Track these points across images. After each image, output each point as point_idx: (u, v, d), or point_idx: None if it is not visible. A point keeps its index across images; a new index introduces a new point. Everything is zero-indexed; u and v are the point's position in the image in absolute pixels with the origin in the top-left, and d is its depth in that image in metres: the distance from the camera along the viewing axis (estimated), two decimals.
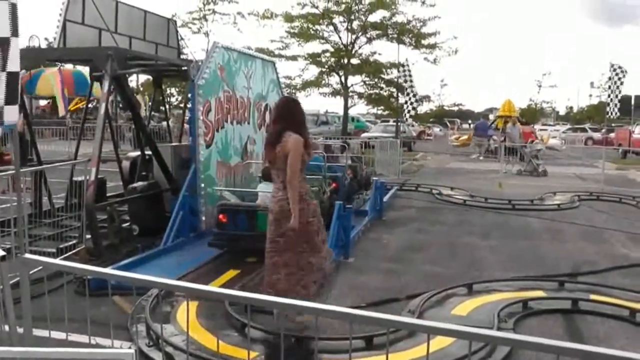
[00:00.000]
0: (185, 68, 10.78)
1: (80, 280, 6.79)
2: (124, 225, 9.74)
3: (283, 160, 5.69)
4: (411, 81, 24.94)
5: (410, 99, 24.27)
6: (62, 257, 8.18)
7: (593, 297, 7.25)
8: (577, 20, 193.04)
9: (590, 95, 79.74)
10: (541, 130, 46.01)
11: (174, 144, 12.61)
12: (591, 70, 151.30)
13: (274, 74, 13.05)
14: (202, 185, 9.74)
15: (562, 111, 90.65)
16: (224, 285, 7.00)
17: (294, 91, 27.71)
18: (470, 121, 39.42)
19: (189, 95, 10.35)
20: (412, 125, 41.08)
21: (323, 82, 27.96)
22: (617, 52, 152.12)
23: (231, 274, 7.55)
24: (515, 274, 8.26)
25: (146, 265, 7.86)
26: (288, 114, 5.91)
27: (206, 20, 34.26)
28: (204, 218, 9.73)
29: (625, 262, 9.33)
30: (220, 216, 8.43)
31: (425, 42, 27.35)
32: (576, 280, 8.23)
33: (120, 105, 25.71)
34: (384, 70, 27.86)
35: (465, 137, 38.38)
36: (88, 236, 8.56)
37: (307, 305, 3.07)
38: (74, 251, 8.47)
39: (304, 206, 5.79)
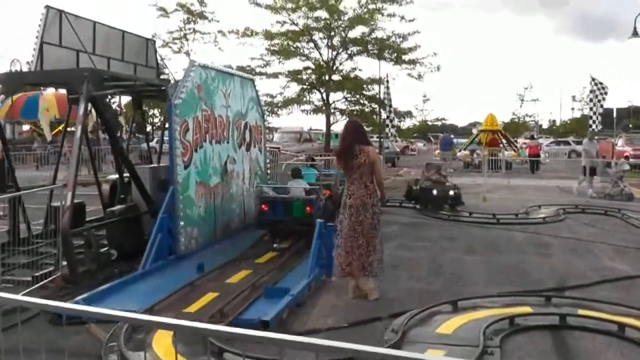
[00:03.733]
0: (164, 88, 10.67)
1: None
2: (103, 250, 9.52)
3: (368, 166, 7.58)
4: (389, 97, 24.92)
5: (389, 114, 24.23)
6: (38, 285, 7.98)
7: (581, 312, 7.11)
8: (558, 35, 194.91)
9: (573, 109, 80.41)
10: (524, 143, 46.20)
11: (152, 165, 12.42)
12: (573, 83, 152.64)
13: (253, 91, 12.92)
14: (181, 206, 9.54)
15: (545, 124, 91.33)
16: (202, 309, 6.80)
17: (275, 109, 27.59)
18: (452, 135, 39.46)
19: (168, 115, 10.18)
20: (396, 141, 41.07)
21: (304, 99, 27.82)
22: (599, 66, 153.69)
23: (210, 296, 7.35)
24: (501, 290, 8.10)
25: (124, 291, 7.65)
26: (359, 132, 7.94)
27: (187, 39, 34.24)
28: (182, 239, 9.52)
29: (612, 275, 9.23)
30: (262, 206, 10.78)
31: (405, 57, 27.34)
32: (563, 295, 8.09)
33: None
34: (365, 86, 27.80)
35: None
36: (65, 263, 8.33)
37: (272, 337, 2.87)
38: (49, 279, 8.23)
39: (378, 200, 7.74)
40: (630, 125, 65.79)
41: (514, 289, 8.21)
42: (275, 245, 10.52)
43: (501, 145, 35.55)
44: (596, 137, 22.78)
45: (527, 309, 7.16)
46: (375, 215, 7.68)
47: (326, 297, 7.74)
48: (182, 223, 9.53)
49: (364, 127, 8.65)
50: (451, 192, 16.09)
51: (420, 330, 6.36)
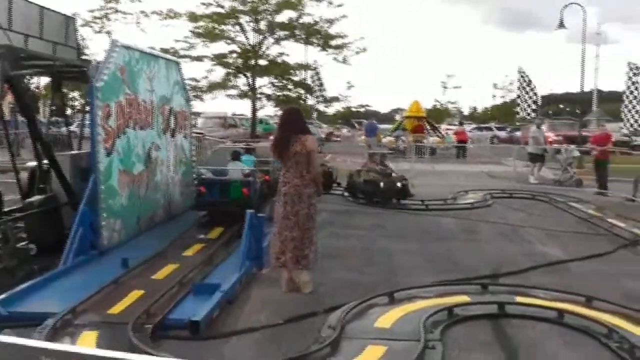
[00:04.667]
0: (85, 69, 10.11)
1: None
2: (21, 244, 8.90)
3: (304, 155, 7.26)
4: (321, 83, 24.74)
5: (320, 100, 24.08)
6: None
7: (518, 299, 7.06)
8: (480, 24, 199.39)
9: (494, 96, 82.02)
10: (448, 129, 47.02)
11: (72, 152, 11.74)
12: (494, 71, 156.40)
13: (178, 75, 12.39)
14: (103, 197, 8.97)
15: (467, 111, 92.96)
16: (128, 309, 6.33)
17: (200, 93, 26.99)
18: (376, 121, 39.52)
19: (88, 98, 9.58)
20: (321, 127, 40.97)
21: (230, 83, 27.33)
22: (520, 55, 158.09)
23: (136, 294, 6.86)
24: (435, 278, 7.99)
25: (46, 289, 7.03)
26: (296, 120, 7.61)
27: (108, 19, 32.95)
28: (105, 233, 8.96)
29: (544, 260, 9.31)
30: (200, 188, 11.21)
31: (333, 42, 27.18)
32: (499, 283, 8.04)
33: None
34: (293, 71, 27.50)
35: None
36: None
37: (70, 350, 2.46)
38: None
39: (314, 191, 7.45)
40: (551, 112, 67.92)
41: (449, 277, 8.11)
42: (202, 236, 10.12)
43: (425, 131, 35.90)
44: (541, 124, 23.12)
45: (465, 298, 7.03)
46: (311, 206, 7.41)
47: (258, 292, 7.37)
48: (104, 215, 8.94)
49: (302, 114, 8.18)
50: (399, 184, 15.13)
51: (358, 325, 6.10)
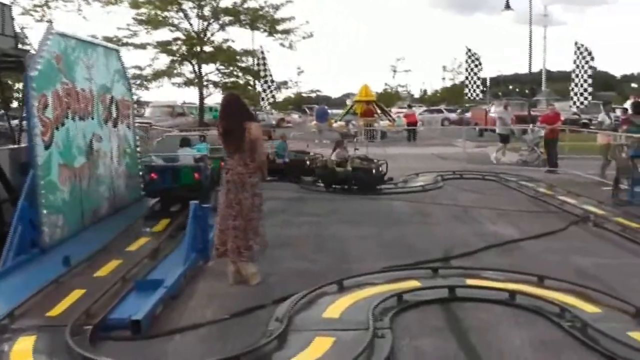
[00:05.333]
0: (22, 59, 9.74)
1: None
2: None
3: (249, 143, 6.98)
4: (266, 69, 24.42)
5: (269, 86, 23.79)
6: None
7: (469, 281, 7.01)
8: (428, 7, 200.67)
9: (444, 78, 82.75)
10: (398, 112, 47.15)
11: (11, 146, 11.28)
12: (443, 54, 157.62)
13: (119, 63, 12.00)
14: (43, 192, 8.59)
15: (417, 94, 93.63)
16: (67, 310, 6.04)
17: (144, 82, 26.43)
18: (327, 106, 39.29)
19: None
20: (271, 113, 40.64)
21: (175, 71, 26.85)
22: (468, 38, 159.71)
23: (77, 294, 6.55)
24: (388, 264, 7.84)
25: None
26: (239, 106, 7.35)
27: (49, 7, 31.96)
28: (46, 230, 8.59)
29: (496, 240, 9.30)
30: (152, 174, 11.28)
31: (279, 27, 26.87)
32: (450, 266, 7.98)
33: None
34: (239, 57, 27.12)
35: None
36: None
37: None
38: None
39: (259, 180, 7.22)
40: (500, 94, 68.82)
41: (402, 261, 7.98)
42: (148, 229, 9.85)
43: (376, 115, 35.89)
44: (459, 106, 23.32)
45: (415, 283, 6.92)
46: (256, 196, 7.18)
47: (204, 286, 7.12)
48: (44, 211, 8.56)
49: (243, 100, 7.99)
50: (381, 170, 14.77)
51: (306, 316, 5.92)
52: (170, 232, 9.47)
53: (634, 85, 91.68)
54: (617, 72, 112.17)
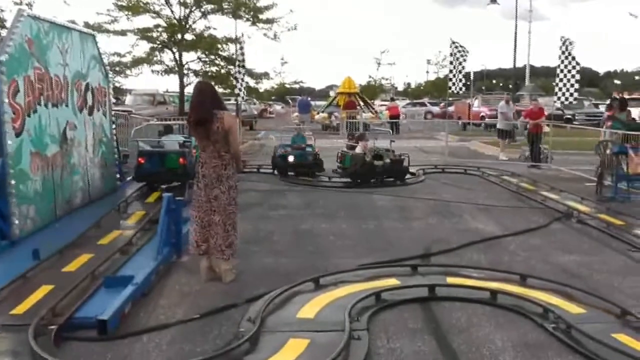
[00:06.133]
0: None
1: None
2: None
3: (222, 134, 6.71)
4: (243, 58, 24.04)
5: (242, 75, 23.41)
6: None
7: (450, 280, 6.87)
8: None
9: (428, 72, 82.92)
10: (381, 105, 47.08)
11: None
12: (427, 48, 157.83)
13: (95, 48, 11.67)
14: (13, 182, 8.29)
15: (401, 87, 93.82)
16: (33, 308, 5.77)
17: (124, 69, 26.02)
18: (309, 98, 38.96)
19: None
20: (254, 103, 40.29)
21: (155, 58, 26.43)
22: (452, 31, 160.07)
23: (44, 290, 6.25)
24: (365, 260, 7.68)
25: None
26: (211, 95, 6.95)
27: None
28: (17, 221, 8.29)
29: (478, 236, 9.16)
30: (140, 159, 11.98)
31: (262, 16, 26.54)
32: (430, 263, 7.81)
33: None
34: (221, 46, 26.76)
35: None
36: None
37: None
38: None
39: (234, 172, 6.97)
40: (484, 88, 69.07)
41: (380, 258, 7.81)
42: (122, 221, 9.60)
43: (359, 107, 35.73)
44: (442, 99, 23.11)
45: (393, 281, 6.75)
46: (231, 189, 6.93)
47: (176, 282, 6.85)
48: (14, 201, 8.29)
49: (216, 88, 7.67)
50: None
51: (280, 316, 5.71)
52: (144, 225, 9.22)
53: (617, 81, 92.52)
54: (601, 69, 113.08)
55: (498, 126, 20.54)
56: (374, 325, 5.57)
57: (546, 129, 18.60)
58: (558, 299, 6.30)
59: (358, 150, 14.66)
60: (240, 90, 20.23)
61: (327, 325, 5.43)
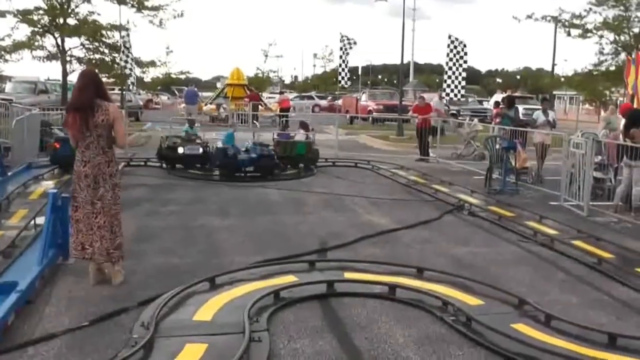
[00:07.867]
0: None
1: None
2: None
3: (107, 127, 6.28)
4: (128, 47, 23.21)
5: (130, 65, 22.62)
6: None
7: (348, 275, 6.79)
8: None
9: (314, 66, 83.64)
10: (269, 98, 46.92)
11: None
12: (315, 42, 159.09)
13: None
14: None
15: (288, 80, 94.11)
16: None
17: (3, 53, 24.45)
18: (196, 88, 38.09)
19: None
20: (139, 93, 39.07)
21: (37, 43, 24.95)
22: (339, 28, 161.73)
23: None
24: (261, 257, 7.44)
25: None
26: (97, 84, 6.43)
27: None
28: None
29: (370, 229, 9.16)
30: (55, 143, 13.50)
31: (148, 4, 25.62)
32: (326, 258, 7.68)
33: None
34: (106, 33, 25.59)
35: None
36: None
37: None
38: None
39: (117, 169, 6.60)
40: (369, 82, 70.32)
41: (276, 254, 7.60)
42: (4, 220, 8.89)
43: (261, 103, 35.52)
44: (329, 93, 23.21)
45: (291, 278, 6.58)
46: (115, 187, 6.50)
47: (62, 287, 6.32)
48: None
49: (101, 78, 7.11)
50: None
51: (175, 320, 5.36)
52: (27, 225, 8.50)
53: (499, 80, 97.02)
54: (482, 68, 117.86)
55: (433, 124, 20.40)
56: (274, 326, 5.38)
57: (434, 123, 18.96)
58: (456, 291, 6.36)
59: (298, 137, 16.05)
60: (132, 83, 19.44)
61: (225, 328, 5.17)
